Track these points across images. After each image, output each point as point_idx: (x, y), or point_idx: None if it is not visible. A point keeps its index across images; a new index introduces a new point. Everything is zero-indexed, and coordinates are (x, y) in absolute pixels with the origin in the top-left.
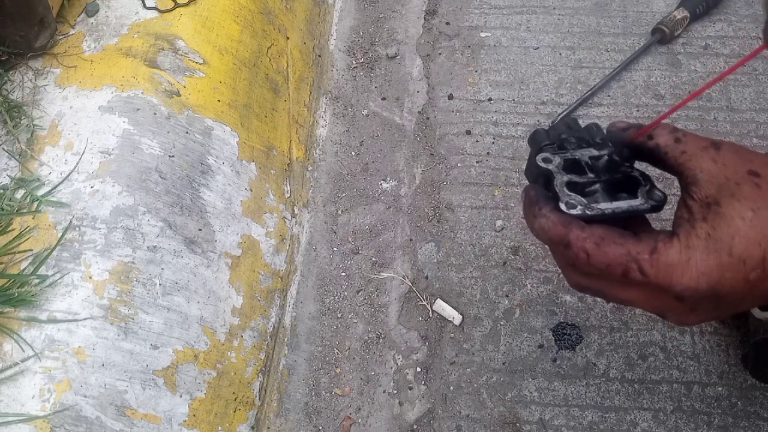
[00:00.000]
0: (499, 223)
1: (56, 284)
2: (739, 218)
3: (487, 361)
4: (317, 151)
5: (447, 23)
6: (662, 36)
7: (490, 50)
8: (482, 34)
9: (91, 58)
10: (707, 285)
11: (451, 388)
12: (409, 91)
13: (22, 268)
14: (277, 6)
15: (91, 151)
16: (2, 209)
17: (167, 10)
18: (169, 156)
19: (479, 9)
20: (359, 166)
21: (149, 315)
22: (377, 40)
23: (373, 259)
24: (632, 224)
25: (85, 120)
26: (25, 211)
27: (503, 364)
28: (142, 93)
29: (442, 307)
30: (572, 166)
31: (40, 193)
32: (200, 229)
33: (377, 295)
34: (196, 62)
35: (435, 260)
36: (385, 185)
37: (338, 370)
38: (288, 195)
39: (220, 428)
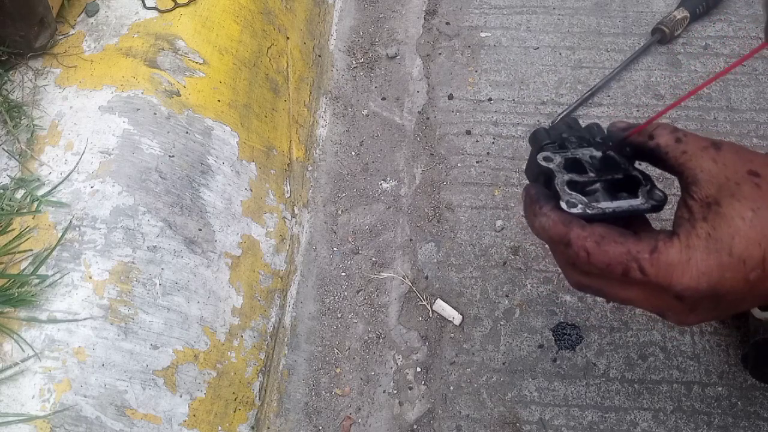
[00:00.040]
0: (499, 223)
1: (56, 284)
2: (739, 218)
3: (487, 361)
4: (317, 151)
5: (447, 23)
6: (662, 36)
7: (490, 50)
8: (482, 34)
9: (91, 58)
10: (707, 285)
11: (451, 388)
12: (409, 91)
13: (22, 268)
14: (277, 6)
15: (91, 151)
16: (2, 209)
17: (167, 10)
18: (169, 156)
19: (479, 9)
20: (359, 166)
21: (149, 315)
22: (377, 40)
23: (373, 259)
24: (632, 224)
25: (85, 120)
26: (25, 211)
27: (503, 364)
28: (142, 93)
29: (442, 307)
30: (573, 165)
31: (40, 193)
32: (200, 229)
33: (377, 295)
34: (196, 62)
35: (435, 260)
36: (385, 185)
37: (338, 370)
38: (288, 195)
39: (220, 428)
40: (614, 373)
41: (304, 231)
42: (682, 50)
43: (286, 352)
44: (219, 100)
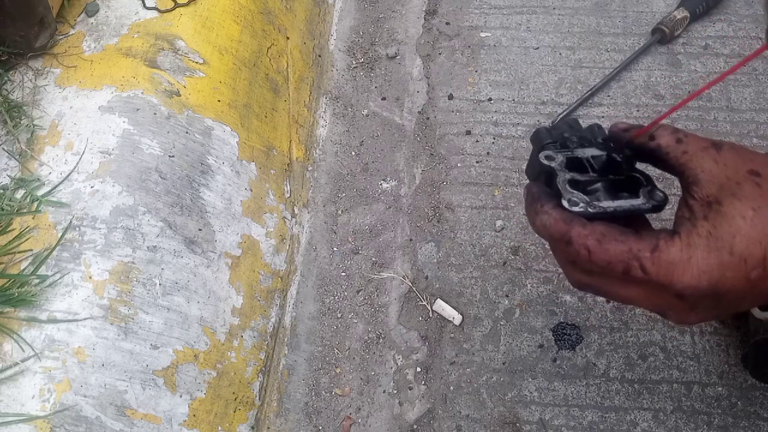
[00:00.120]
0: (499, 223)
1: (56, 284)
2: (740, 217)
3: (487, 361)
4: (317, 151)
5: (447, 23)
6: (662, 36)
7: (490, 50)
8: (482, 34)
9: (91, 58)
10: (708, 283)
11: (451, 388)
12: (409, 91)
13: (22, 268)
14: (277, 6)
15: (91, 151)
16: (2, 209)
17: (167, 10)
18: (169, 156)
19: (479, 9)
20: (359, 166)
21: (149, 315)
22: (377, 40)
23: (373, 259)
24: (632, 224)
25: (85, 120)
26: (25, 211)
27: (503, 364)
28: (142, 93)
29: (442, 307)
30: (574, 164)
31: (40, 193)
32: (200, 229)
33: (377, 295)
34: (196, 62)
35: (435, 260)
36: (385, 185)
37: (338, 370)
38: (288, 195)
39: (220, 428)
40: (614, 373)
41: (304, 231)
42: (682, 50)
43: (286, 352)
44: (219, 100)
